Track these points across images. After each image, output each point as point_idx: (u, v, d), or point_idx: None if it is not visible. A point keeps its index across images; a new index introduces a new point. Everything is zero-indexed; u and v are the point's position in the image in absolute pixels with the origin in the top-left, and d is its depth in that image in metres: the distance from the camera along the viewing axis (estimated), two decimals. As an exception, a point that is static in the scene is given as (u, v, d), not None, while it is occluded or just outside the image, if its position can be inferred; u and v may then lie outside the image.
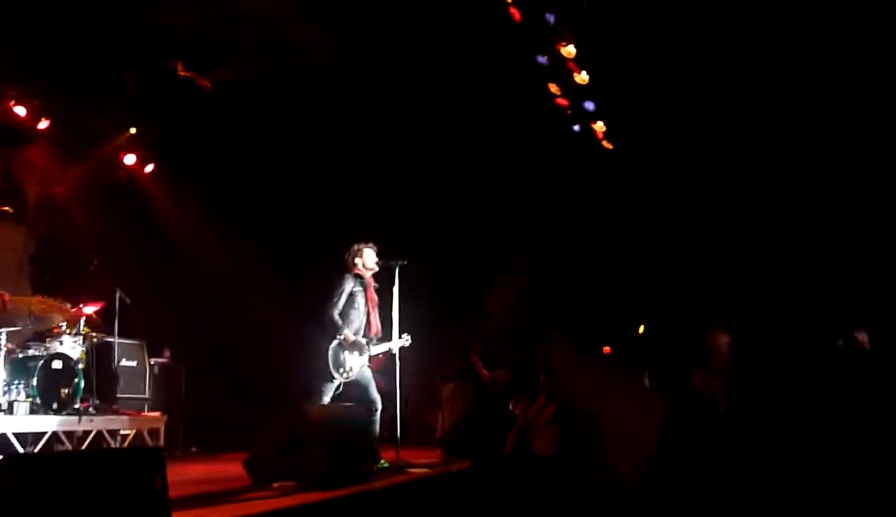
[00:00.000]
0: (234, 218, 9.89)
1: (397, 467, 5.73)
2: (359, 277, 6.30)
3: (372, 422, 6.02)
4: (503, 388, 8.75)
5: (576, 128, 9.47)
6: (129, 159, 9.69)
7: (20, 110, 8.31)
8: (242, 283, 9.51)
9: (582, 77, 8.61)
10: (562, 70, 8.62)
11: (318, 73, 8.62)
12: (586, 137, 9.53)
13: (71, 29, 7.65)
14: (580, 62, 8.46)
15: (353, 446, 4.94)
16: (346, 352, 6.06)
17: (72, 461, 3.14)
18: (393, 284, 6.28)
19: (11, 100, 8.24)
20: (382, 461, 5.73)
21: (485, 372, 8.89)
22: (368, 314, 6.28)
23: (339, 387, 6.07)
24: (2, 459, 2.87)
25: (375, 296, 6.38)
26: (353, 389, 6.16)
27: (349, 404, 5.98)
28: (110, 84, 8.58)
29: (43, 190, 9.33)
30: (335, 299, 6.13)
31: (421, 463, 6.11)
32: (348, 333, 6.08)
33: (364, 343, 6.19)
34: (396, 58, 8.29)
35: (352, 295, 6.21)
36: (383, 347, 6.28)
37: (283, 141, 9.72)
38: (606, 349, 9.73)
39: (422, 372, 9.17)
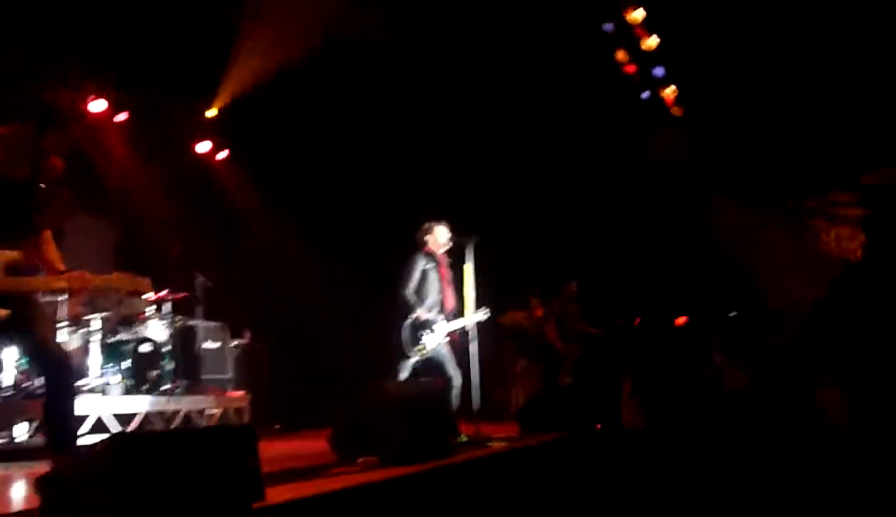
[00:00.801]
0: (308, 200, 10.06)
1: (477, 441, 5.77)
2: (430, 255, 6.34)
3: (448, 397, 6.08)
4: (577, 361, 8.76)
5: (645, 95, 9.28)
6: (204, 147, 9.96)
7: (100, 104, 8.60)
8: (319, 264, 9.69)
9: (650, 42, 8.42)
10: (629, 36, 8.44)
11: (380, 52, 8.65)
12: (656, 104, 9.30)
13: (147, 23, 7.87)
14: (649, 26, 8.26)
15: (433, 421, 4.99)
16: (421, 330, 6.13)
17: (169, 439, 3.27)
18: (466, 261, 6.28)
19: (91, 93, 8.54)
20: (462, 435, 5.78)
21: (559, 344, 8.90)
22: (443, 291, 6.32)
23: (416, 364, 6.15)
24: (106, 438, 3.00)
25: (449, 273, 6.41)
26: (431, 366, 6.22)
27: (426, 379, 6.06)
28: (184, 76, 8.81)
29: (123, 181, 9.68)
30: (408, 278, 6.19)
31: (499, 437, 6.14)
32: (421, 311, 6.14)
33: (438, 320, 6.23)
34: (462, 33, 8.25)
35: (424, 273, 6.26)
36: (459, 323, 6.30)
37: (352, 123, 9.80)
38: (681, 320, 9.59)
39: (493, 346, 9.20)
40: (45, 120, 3.50)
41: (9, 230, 3.46)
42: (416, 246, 6.40)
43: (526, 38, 8.34)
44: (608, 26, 8.31)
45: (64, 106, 3.58)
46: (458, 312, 6.37)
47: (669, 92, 9.16)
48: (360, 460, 4.67)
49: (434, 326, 6.19)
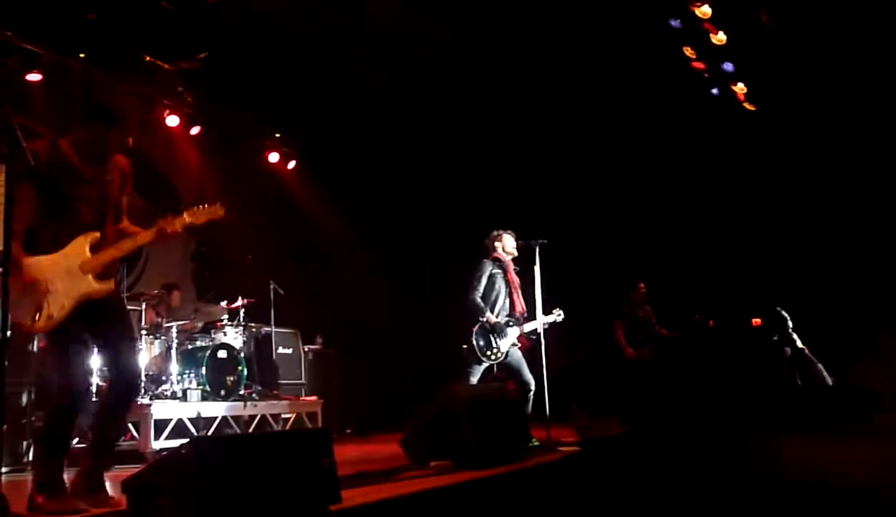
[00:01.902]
0: (376, 207, 10.18)
1: (548, 445, 5.74)
2: (498, 261, 6.42)
3: (524, 402, 6.10)
4: (649, 364, 8.59)
5: (714, 91, 9.06)
6: (273, 157, 10.21)
7: (173, 119, 8.90)
8: (388, 269, 9.79)
9: (719, 37, 8.22)
10: (697, 32, 8.26)
11: (443, 57, 8.69)
12: (726, 101, 9.06)
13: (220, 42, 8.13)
14: (716, 22, 8.07)
15: (505, 425, 4.98)
16: (492, 335, 6.17)
17: (249, 443, 3.35)
18: (534, 264, 6.29)
19: (165, 109, 8.85)
20: (534, 439, 5.76)
21: (629, 349, 8.74)
22: (511, 295, 6.37)
23: (489, 369, 6.18)
24: (187, 442, 3.10)
25: (516, 278, 6.47)
26: (506, 370, 6.28)
27: (498, 384, 6.06)
28: (255, 90, 9.05)
29: (198, 193, 9.99)
30: (476, 283, 6.28)
31: (570, 441, 6.09)
32: (490, 315, 6.20)
33: (509, 323, 6.27)
34: (527, 35, 8.22)
35: (492, 278, 6.34)
36: (531, 325, 6.32)
37: (418, 130, 9.87)
38: (756, 321, 9.31)
39: (563, 350, 9.11)
40: (107, 119, 3.67)
41: (88, 223, 3.63)
42: (484, 252, 6.49)
43: (591, 38, 8.26)
44: (675, 22, 8.14)
45: (120, 106, 3.77)
46: (528, 316, 6.38)
47: (740, 88, 8.92)
48: (432, 464, 4.70)
49: (506, 330, 6.23)
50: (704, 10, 7.85)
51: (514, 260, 6.52)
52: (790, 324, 8.32)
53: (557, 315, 6.45)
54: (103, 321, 3.66)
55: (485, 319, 6.17)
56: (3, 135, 3.31)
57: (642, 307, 8.98)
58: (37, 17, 7.40)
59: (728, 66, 8.63)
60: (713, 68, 8.69)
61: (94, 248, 3.59)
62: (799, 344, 8.18)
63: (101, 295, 3.56)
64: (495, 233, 6.53)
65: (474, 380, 6.13)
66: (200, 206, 3.93)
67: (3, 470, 3.31)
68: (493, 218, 6.79)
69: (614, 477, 5.18)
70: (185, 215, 3.88)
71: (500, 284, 6.37)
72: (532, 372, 6.27)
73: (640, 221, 10.04)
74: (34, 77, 7.58)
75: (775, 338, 8.24)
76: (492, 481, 4.26)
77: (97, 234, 3.62)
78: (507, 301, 6.38)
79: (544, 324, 6.29)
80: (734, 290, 9.53)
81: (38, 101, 7.75)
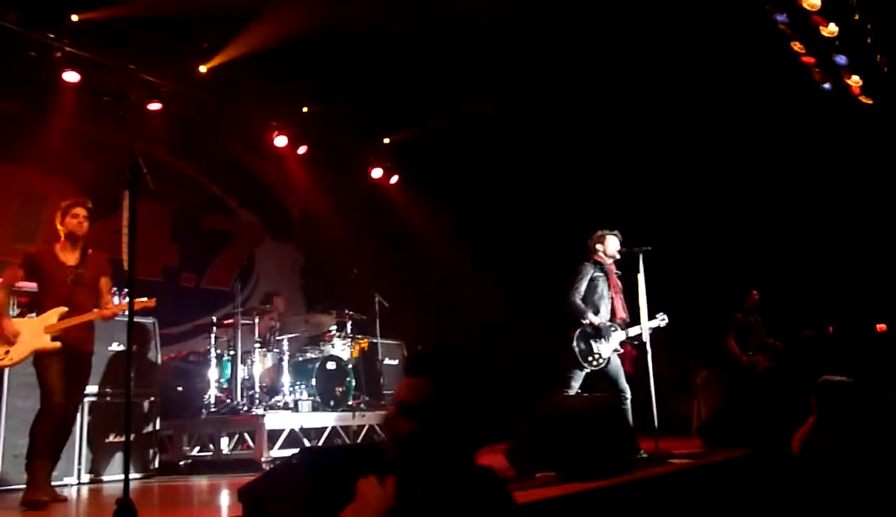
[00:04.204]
0: (477, 219, 10.24)
1: (658, 457, 5.59)
2: (599, 264, 6.18)
3: (624, 411, 5.89)
4: (765, 374, 8.22)
5: (827, 86, 8.63)
6: (376, 173, 10.45)
7: (282, 140, 9.27)
8: (490, 280, 9.82)
9: (830, 29, 7.83)
10: (805, 25, 7.90)
11: (544, 67, 8.68)
12: (841, 95, 8.62)
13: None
14: (826, 13, 7.70)
15: (612, 436, 4.90)
16: (594, 340, 5.96)
17: (358, 452, 3.44)
18: (638, 271, 6.10)
19: (274, 130, 9.24)
20: (642, 451, 5.61)
21: (744, 358, 8.43)
22: (612, 300, 6.14)
23: (589, 375, 6.02)
24: (299, 451, 3.21)
25: (618, 282, 6.21)
26: (604, 378, 6.05)
27: (602, 394, 5.93)
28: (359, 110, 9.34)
29: (305, 209, 10.36)
30: (576, 286, 6.06)
31: (680, 453, 5.90)
32: (593, 317, 5.97)
33: (613, 328, 6.05)
34: (632, 41, 8.10)
35: (593, 281, 6.10)
36: (635, 330, 6.06)
37: (519, 139, 9.87)
38: (881, 327, 8.78)
39: (673, 358, 8.88)
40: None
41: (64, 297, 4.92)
42: (586, 253, 6.26)
43: (696, 41, 8.04)
44: (781, 17, 7.82)
45: None
46: (631, 322, 6.14)
47: (855, 80, 8.45)
48: (538, 475, 4.66)
49: (609, 334, 6.00)
50: (813, 2, 7.49)
51: (617, 264, 6.26)
52: None
53: (661, 319, 6.14)
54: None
55: (587, 323, 5.94)
56: (127, 162, 3.60)
57: (754, 316, 8.65)
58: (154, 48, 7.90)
59: (841, 59, 8.20)
60: (825, 62, 8.28)
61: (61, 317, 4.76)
62: None
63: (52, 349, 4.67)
64: (599, 233, 6.26)
65: (576, 385, 5.93)
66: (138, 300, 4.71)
67: (132, 477, 3.52)
68: (597, 223, 6.54)
69: (728, 494, 5.00)
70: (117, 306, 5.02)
71: (602, 287, 6.11)
72: (639, 381, 6.10)
73: (752, 226, 9.66)
74: (155, 106, 8.07)
75: None
76: (598, 493, 4.19)
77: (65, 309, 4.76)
78: (609, 305, 6.13)
79: (649, 329, 6.02)
80: (854, 295, 9.01)
81: (159, 126, 8.28)
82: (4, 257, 6.60)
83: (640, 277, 6.08)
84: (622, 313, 6.15)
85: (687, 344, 9.06)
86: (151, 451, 6.36)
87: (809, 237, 9.37)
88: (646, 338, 6.03)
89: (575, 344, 5.95)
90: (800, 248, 9.40)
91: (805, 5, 7.59)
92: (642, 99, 9.01)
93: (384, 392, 8.47)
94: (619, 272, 6.27)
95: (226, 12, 7.47)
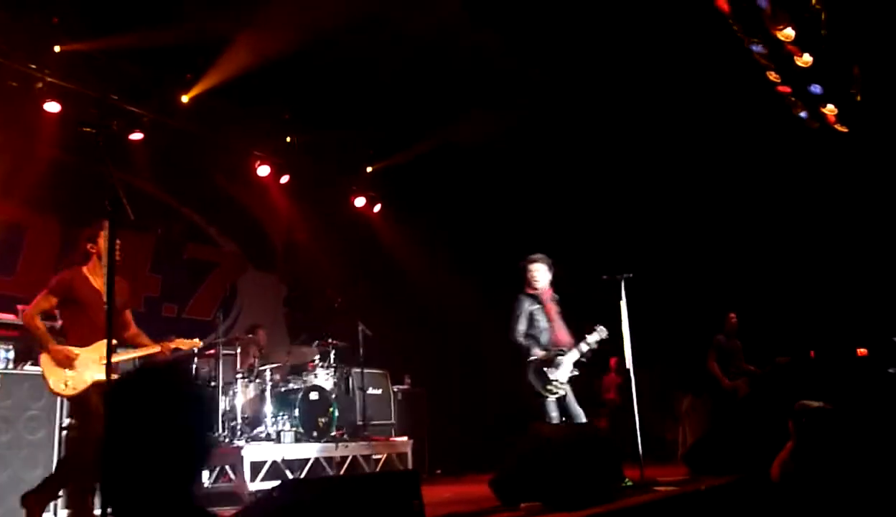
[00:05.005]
0: (463, 248, 10.26)
1: (643, 485, 5.58)
2: (532, 296, 6.10)
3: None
4: (746, 399, 8.26)
5: (803, 114, 8.78)
6: (359, 202, 10.46)
7: (264, 169, 9.27)
8: (474, 309, 9.80)
9: (804, 59, 7.98)
10: (780, 55, 8.05)
11: (526, 91, 8.77)
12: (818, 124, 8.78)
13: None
14: (801, 44, 7.85)
15: (596, 465, 4.89)
16: (547, 368, 5.87)
17: (339, 485, 3.41)
18: (620, 298, 6.12)
19: (256, 160, 9.24)
20: (627, 479, 5.59)
21: (726, 380, 8.46)
22: (550, 328, 6.03)
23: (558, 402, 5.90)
24: (280, 484, 3.18)
25: (554, 307, 6.10)
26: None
27: (584, 422, 5.93)
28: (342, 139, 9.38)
29: (288, 238, 10.34)
30: (514, 325, 6.01)
31: (666, 480, 5.89)
32: (538, 351, 5.93)
33: (560, 353, 5.92)
34: (610, 70, 8.22)
35: (532, 315, 6.03)
36: (581, 349, 5.93)
37: (503, 167, 9.93)
38: (862, 351, 8.85)
39: (655, 385, 8.89)
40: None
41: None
42: (521, 288, 6.16)
43: (674, 67, 8.17)
44: (757, 47, 7.96)
45: None
46: (575, 343, 6.00)
47: (830, 109, 8.61)
48: (523, 505, 4.65)
49: (557, 361, 5.89)
50: (787, 33, 7.64)
51: (600, 291, 6.19)
52: None
53: (600, 331, 6.00)
54: None
55: (534, 355, 5.89)
56: (107, 193, 3.59)
57: (734, 340, 8.72)
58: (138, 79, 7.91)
59: (816, 89, 8.35)
60: (800, 91, 8.43)
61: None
62: None
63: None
64: (521, 264, 6.18)
65: (553, 414, 5.84)
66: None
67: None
68: (581, 253, 6.52)
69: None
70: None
71: (540, 319, 6.01)
72: (626, 409, 6.06)
73: (733, 253, 9.76)
74: (136, 136, 8.06)
75: (891, 371, 7.71)
76: (584, 522, 4.17)
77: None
78: (549, 336, 6.01)
79: (592, 344, 5.93)
80: (836, 320, 9.10)
81: (141, 157, 8.27)
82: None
83: (623, 304, 6.11)
84: (565, 338, 6.03)
85: (671, 370, 9.09)
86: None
87: (791, 263, 9.48)
88: (629, 365, 6.06)
89: (530, 378, 5.90)
90: (781, 274, 9.50)
91: (779, 36, 7.73)
92: (622, 126, 9.13)
93: (370, 423, 8.41)
94: (556, 296, 6.18)
95: (206, 40, 7.48)
